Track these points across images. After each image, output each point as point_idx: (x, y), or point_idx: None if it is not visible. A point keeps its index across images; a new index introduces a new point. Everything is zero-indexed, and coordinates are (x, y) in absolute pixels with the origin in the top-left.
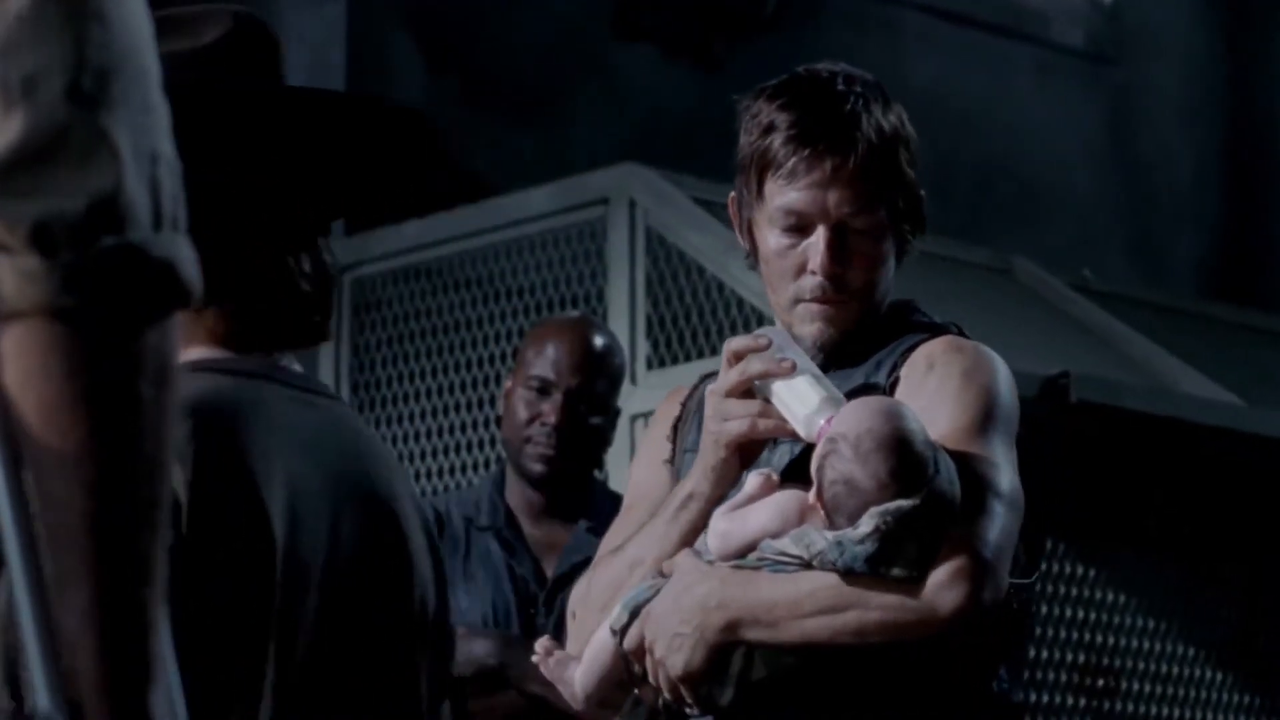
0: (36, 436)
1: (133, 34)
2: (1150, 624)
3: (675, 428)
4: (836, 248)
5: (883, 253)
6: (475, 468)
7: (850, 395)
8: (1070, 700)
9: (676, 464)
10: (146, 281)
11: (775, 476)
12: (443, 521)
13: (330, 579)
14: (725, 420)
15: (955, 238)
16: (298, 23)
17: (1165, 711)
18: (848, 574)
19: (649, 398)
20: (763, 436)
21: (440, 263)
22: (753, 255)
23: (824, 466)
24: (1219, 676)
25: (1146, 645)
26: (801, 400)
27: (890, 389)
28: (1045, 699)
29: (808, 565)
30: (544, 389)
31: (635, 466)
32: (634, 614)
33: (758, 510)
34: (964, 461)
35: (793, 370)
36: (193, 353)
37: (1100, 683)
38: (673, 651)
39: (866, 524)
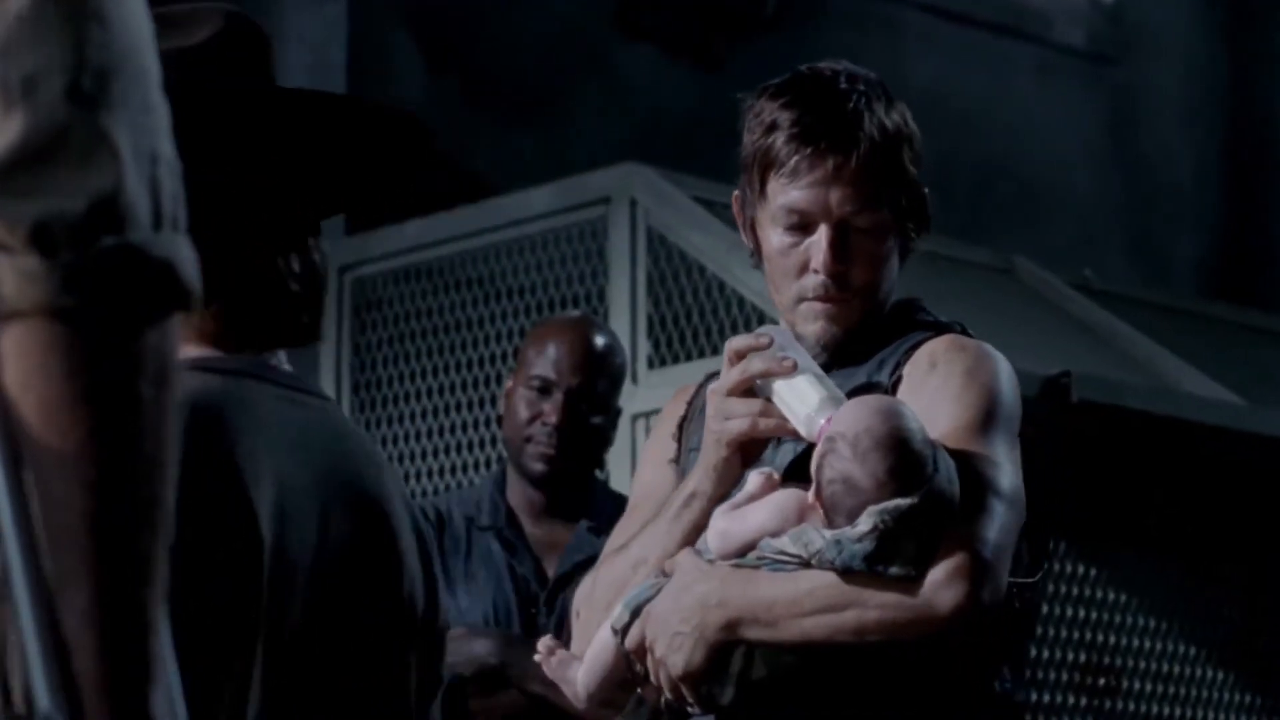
0: (36, 436)
1: (133, 34)
2: (1151, 623)
3: (681, 427)
4: (839, 246)
5: (885, 251)
6: (476, 467)
7: (852, 394)
8: (1071, 699)
9: (682, 463)
10: (146, 282)
11: (776, 475)
12: (444, 521)
13: (319, 578)
14: (726, 419)
15: (956, 237)
16: (298, 22)
17: (1166, 711)
18: (846, 573)
19: (650, 397)
20: (763, 436)
21: (441, 262)
22: (756, 254)
23: (822, 465)
24: (1220, 676)
25: (1148, 645)
26: (802, 399)
27: (893, 387)
28: (1046, 698)
29: (807, 564)
30: (545, 388)
31: (641, 465)
32: (635, 613)
33: (757, 509)
34: (964, 460)
35: (794, 369)
36: (182, 351)
37: (1101, 682)
38: (673, 651)
39: (865, 523)
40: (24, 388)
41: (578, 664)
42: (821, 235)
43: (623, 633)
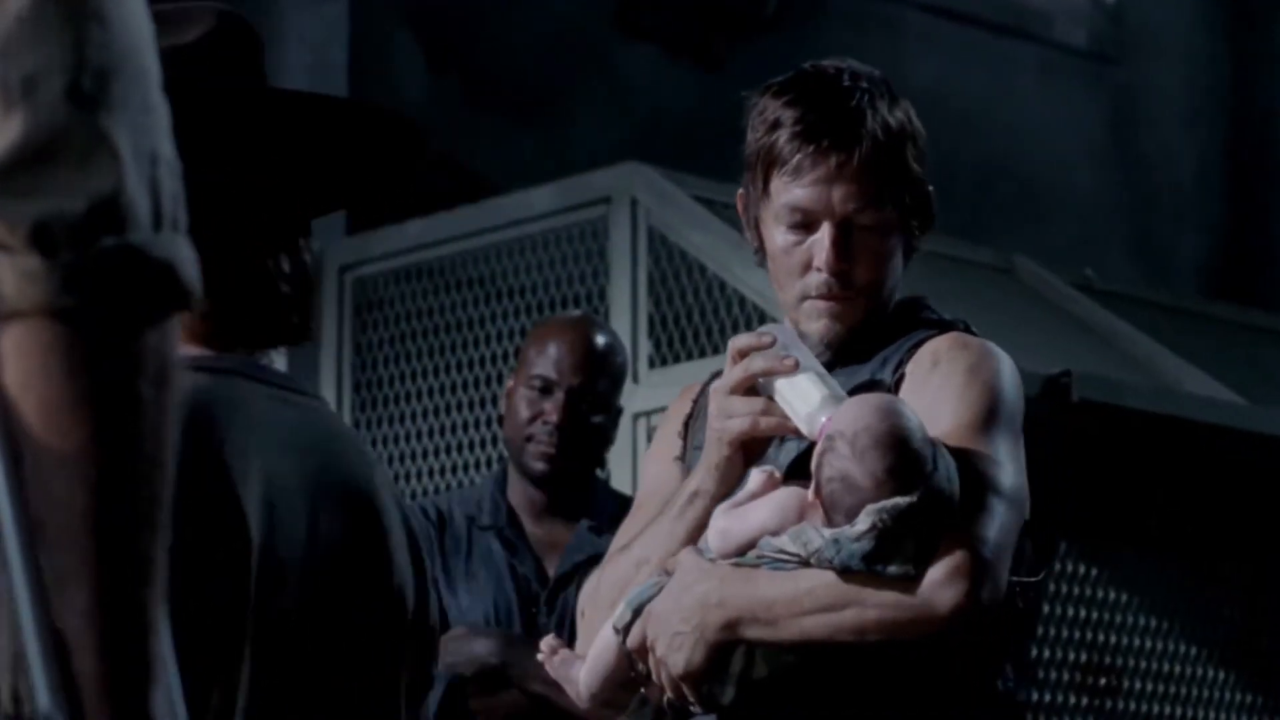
0: (37, 436)
1: (133, 34)
2: (1152, 623)
3: (686, 425)
4: (842, 244)
5: (889, 249)
6: (477, 467)
7: (854, 392)
8: (1072, 699)
9: (687, 461)
10: (147, 282)
11: (777, 474)
12: (445, 521)
13: (308, 576)
14: (728, 418)
15: (957, 237)
16: (299, 22)
17: (1167, 710)
18: (845, 572)
19: (651, 396)
20: (765, 434)
21: (442, 262)
22: (761, 252)
23: (821, 464)
24: (1221, 675)
25: (1149, 644)
26: (804, 398)
27: (895, 385)
28: (1047, 698)
29: (806, 563)
30: (546, 388)
31: (647, 463)
32: (637, 612)
33: (757, 508)
34: (965, 459)
35: (795, 367)
36: None
37: (1102, 681)
38: (673, 650)
39: (863, 522)
40: (24, 388)
41: (580, 663)
42: (824, 233)
43: (624, 632)
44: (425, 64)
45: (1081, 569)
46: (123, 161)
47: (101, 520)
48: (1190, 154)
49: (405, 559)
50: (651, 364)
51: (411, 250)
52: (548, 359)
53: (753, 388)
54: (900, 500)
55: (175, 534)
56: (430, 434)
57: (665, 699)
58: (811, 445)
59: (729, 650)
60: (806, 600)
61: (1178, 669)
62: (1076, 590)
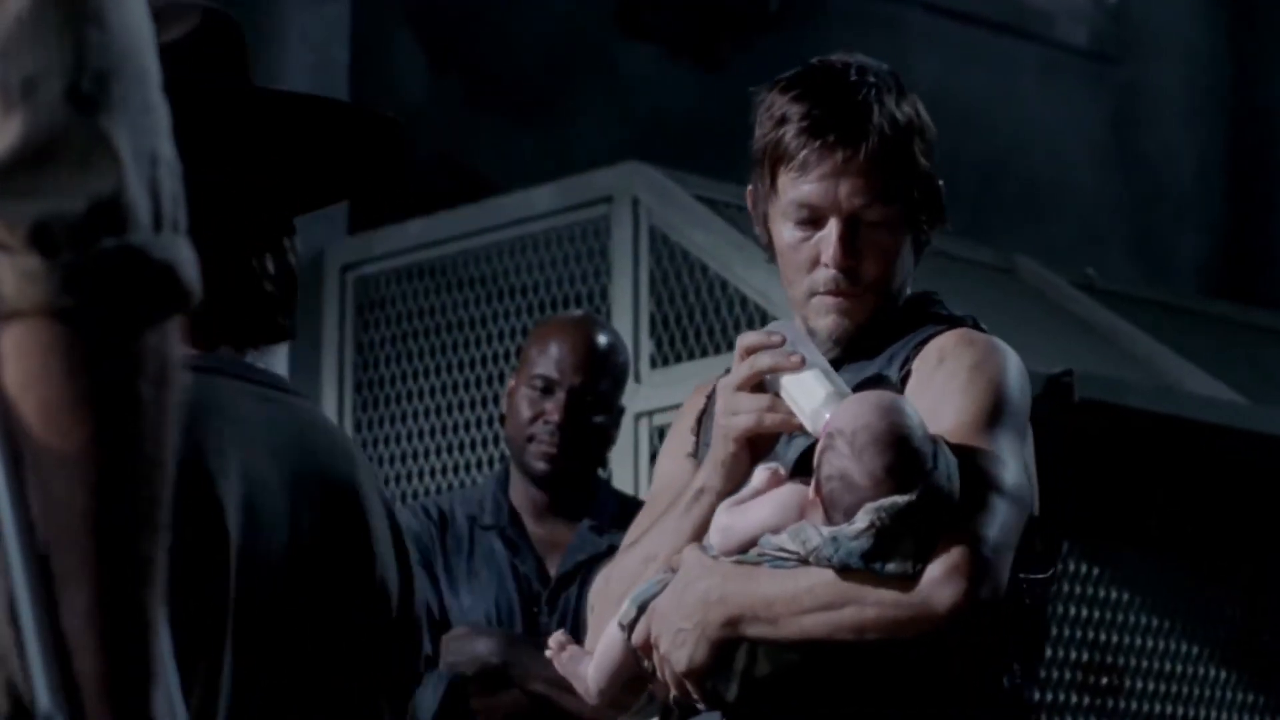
0: (37, 437)
1: (132, 35)
2: (1154, 622)
3: (699, 421)
4: (849, 240)
5: (897, 245)
6: (479, 466)
7: (860, 388)
8: (1075, 698)
9: (700, 457)
10: (147, 283)
11: (782, 471)
12: (446, 520)
13: (289, 572)
14: (734, 414)
15: (958, 236)
16: (300, 22)
17: (1169, 709)
18: (844, 570)
19: (653, 396)
20: (769, 431)
21: (443, 261)
22: (769, 249)
23: (822, 462)
24: (1223, 674)
25: (1150, 643)
26: (809, 395)
27: (902, 382)
28: (1050, 697)
29: (805, 561)
30: (547, 388)
31: (660, 459)
32: (642, 609)
33: (759, 505)
34: (968, 456)
35: (801, 365)
36: None
37: (1104, 681)
38: (676, 647)
39: (862, 520)
40: (24, 388)
41: (588, 659)
42: (832, 229)
43: (630, 629)
44: (427, 63)
45: (1083, 568)
46: (123, 162)
47: (102, 520)
48: (1191, 153)
49: (389, 554)
50: (653, 363)
51: (413, 250)
52: (549, 359)
53: (760, 384)
54: (899, 499)
55: None
56: (432, 433)
57: (671, 696)
58: (816, 442)
59: (732, 647)
60: (806, 598)
61: (1179, 668)
62: (1078, 589)
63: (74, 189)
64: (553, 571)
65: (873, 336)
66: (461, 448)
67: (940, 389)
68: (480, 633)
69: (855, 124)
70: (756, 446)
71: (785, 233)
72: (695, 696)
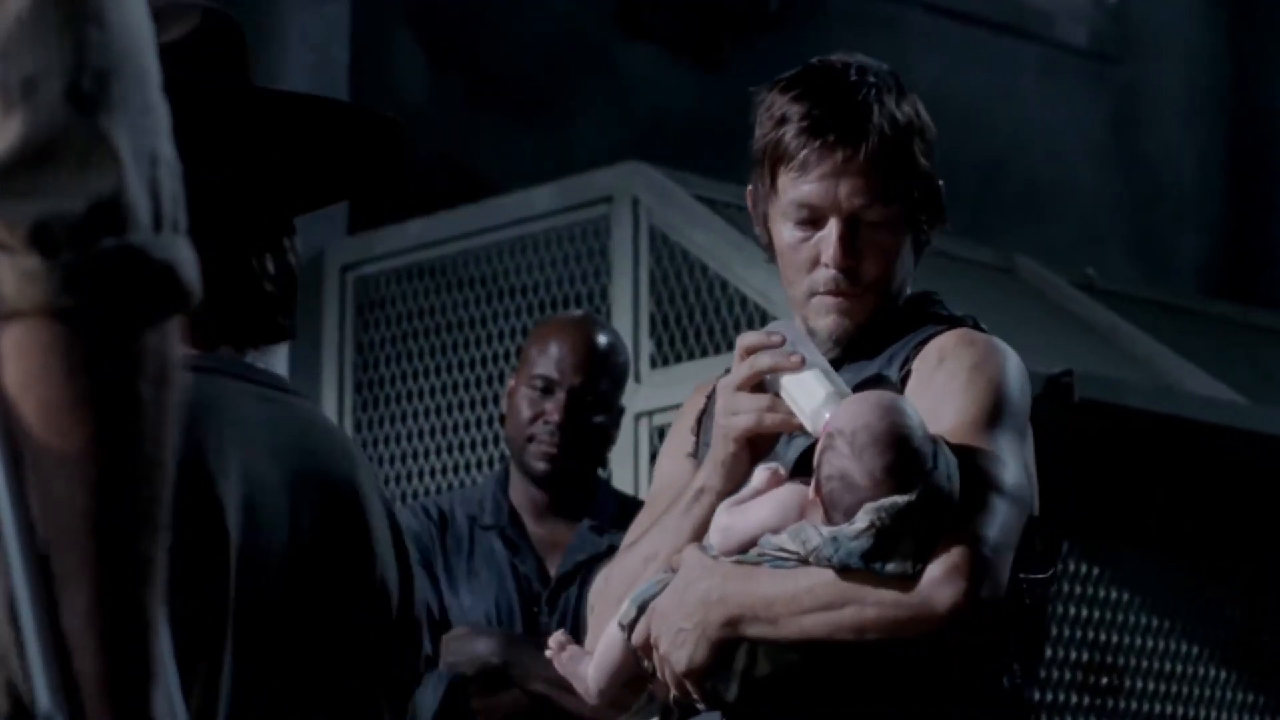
0: (37, 437)
1: (132, 35)
2: (1154, 622)
3: (700, 421)
4: (849, 240)
5: (897, 244)
6: (479, 466)
7: (860, 388)
8: (1075, 698)
9: (700, 457)
10: (147, 283)
11: (782, 471)
12: (446, 520)
13: (289, 572)
14: (734, 414)
15: (958, 236)
16: (300, 22)
17: (1169, 709)
18: (844, 570)
19: (653, 396)
20: (769, 430)
21: (444, 261)
22: (770, 249)
23: (821, 462)
24: (1223, 674)
25: (1150, 643)
26: (809, 395)
27: (902, 382)
28: (1050, 697)
29: (805, 561)
30: (547, 388)
31: (660, 459)
32: (642, 609)
33: (759, 505)
34: (967, 456)
35: (801, 364)
36: None
37: (1104, 681)
38: (676, 647)
39: (861, 520)
40: (24, 388)
41: (589, 659)
42: (831, 229)
43: (630, 629)
44: (427, 63)
45: (1083, 568)
46: (123, 163)
47: (102, 520)
48: (1191, 153)
49: (389, 554)
50: (653, 363)
51: (413, 250)
52: (549, 359)
53: (760, 384)
54: (898, 499)
55: None
56: (432, 433)
57: (672, 696)
58: (817, 442)
59: (732, 647)
60: (806, 598)
61: (1179, 668)
62: (1078, 589)
63: (74, 189)
64: (553, 571)
65: (873, 336)
66: (461, 448)
67: (940, 389)
68: (480, 633)
69: (855, 124)
70: (757, 446)
71: (785, 233)
72: (695, 696)
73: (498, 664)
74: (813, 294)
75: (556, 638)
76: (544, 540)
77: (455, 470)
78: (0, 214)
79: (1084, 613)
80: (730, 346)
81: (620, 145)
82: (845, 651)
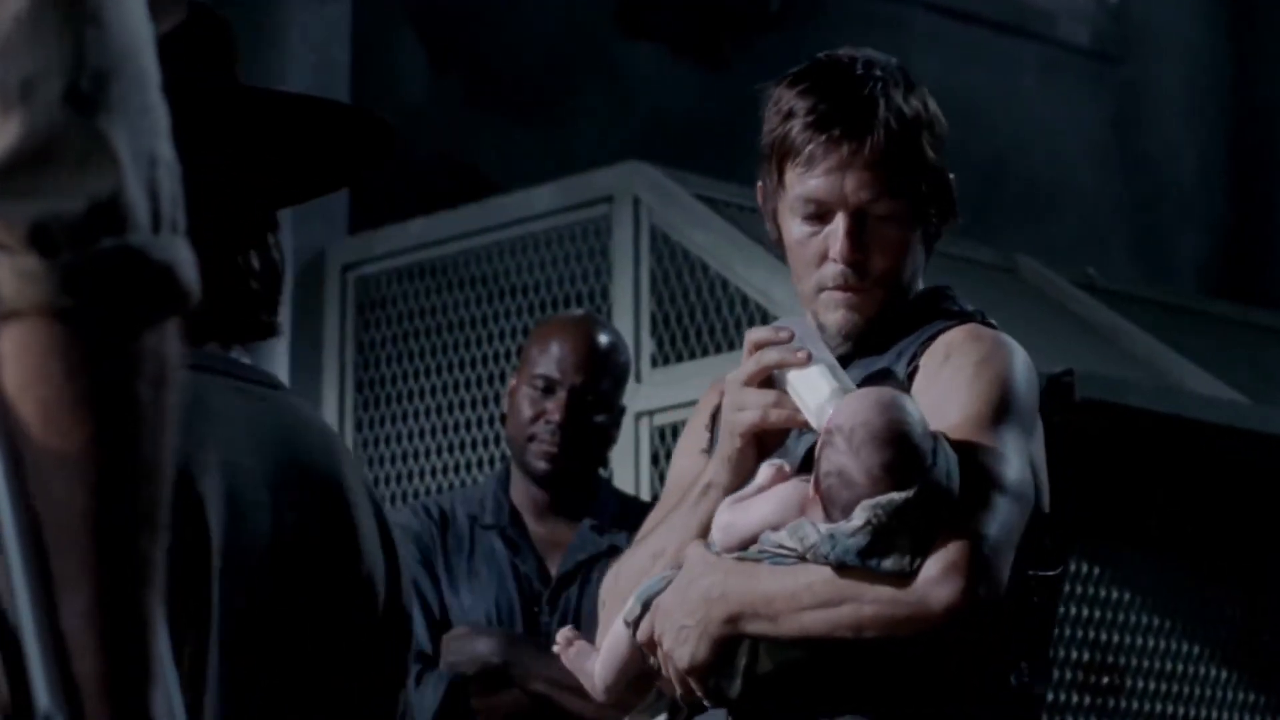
0: (36, 437)
1: (131, 35)
2: (1155, 622)
3: (714, 417)
4: (856, 234)
5: (905, 239)
6: (480, 466)
7: (865, 383)
8: (1075, 698)
9: (712, 453)
10: (146, 284)
11: (787, 467)
12: (447, 520)
13: (273, 568)
14: (740, 410)
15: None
16: (301, 22)
17: (1169, 709)
18: (842, 567)
19: (654, 395)
20: (775, 426)
21: (445, 261)
22: (779, 245)
23: (821, 458)
24: (1223, 674)
25: (1151, 643)
26: (814, 390)
27: (910, 377)
28: (1050, 697)
29: (804, 558)
30: (548, 387)
31: (675, 455)
32: (646, 606)
33: (761, 502)
34: (970, 453)
35: (808, 360)
36: None
37: (1105, 680)
38: (679, 644)
39: (858, 517)
40: (23, 388)
41: (596, 656)
42: (839, 224)
43: (635, 625)
44: (427, 63)
45: (1084, 568)
46: (121, 163)
47: (101, 521)
48: (1192, 152)
49: (376, 549)
50: (654, 363)
51: (414, 249)
52: (550, 358)
53: (768, 380)
54: (896, 496)
55: None
56: (433, 433)
57: (678, 693)
58: None
59: (735, 644)
60: (805, 596)
61: (1180, 668)
62: (1079, 589)
63: (73, 189)
64: (553, 571)
65: (883, 331)
66: (462, 447)
67: (946, 385)
68: (481, 632)
69: (861, 118)
70: (765, 442)
71: (793, 228)
72: (699, 693)
73: (498, 664)
74: (821, 289)
75: (564, 633)
76: (545, 540)
77: (455, 470)
78: None
79: (1084, 612)
80: (731, 346)
81: (621, 145)
82: (847, 649)
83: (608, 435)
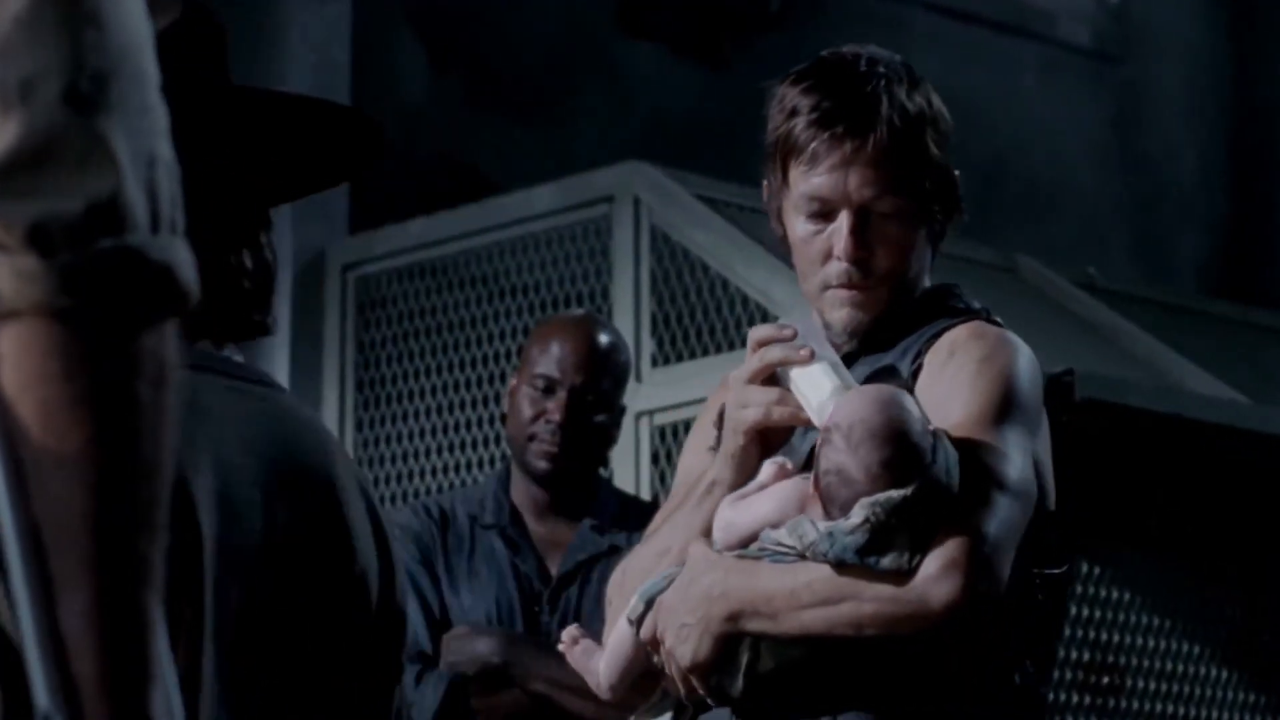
0: (35, 438)
1: (130, 35)
2: (1154, 622)
3: (721, 415)
4: (860, 232)
5: (910, 236)
6: (480, 465)
7: (870, 380)
8: (1075, 698)
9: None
10: (144, 284)
11: (789, 465)
12: (447, 519)
13: (265, 567)
14: (743, 407)
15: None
16: (300, 22)
17: (1169, 709)
18: (840, 565)
19: (654, 395)
20: (777, 424)
21: (445, 261)
22: (784, 243)
23: (820, 456)
24: (1223, 674)
25: (1151, 643)
26: (816, 388)
27: (914, 375)
28: (1050, 697)
29: (803, 556)
30: (549, 387)
31: (683, 453)
32: (650, 604)
33: (760, 500)
34: (971, 450)
35: (810, 357)
36: None
37: (1105, 680)
38: (680, 642)
39: (857, 515)
40: (22, 389)
41: (601, 654)
42: (842, 222)
43: (638, 623)
44: (427, 63)
45: (1084, 568)
46: (120, 164)
47: (100, 521)
48: (1193, 152)
49: (369, 547)
50: (654, 363)
51: (414, 249)
52: (551, 358)
53: (772, 378)
54: (894, 493)
55: None
56: (433, 432)
57: (683, 692)
58: None
59: (736, 642)
60: (804, 594)
61: (1179, 668)
62: (1079, 589)
63: (72, 190)
64: (554, 571)
65: (888, 329)
66: (462, 447)
67: (949, 382)
68: (481, 632)
69: (864, 115)
70: (769, 440)
71: (798, 227)
72: (701, 692)
73: (498, 663)
74: (826, 287)
75: (570, 632)
76: (545, 539)
77: (455, 470)
78: None
79: (1084, 612)
80: (731, 346)
81: (621, 145)
82: (849, 646)
83: (608, 435)
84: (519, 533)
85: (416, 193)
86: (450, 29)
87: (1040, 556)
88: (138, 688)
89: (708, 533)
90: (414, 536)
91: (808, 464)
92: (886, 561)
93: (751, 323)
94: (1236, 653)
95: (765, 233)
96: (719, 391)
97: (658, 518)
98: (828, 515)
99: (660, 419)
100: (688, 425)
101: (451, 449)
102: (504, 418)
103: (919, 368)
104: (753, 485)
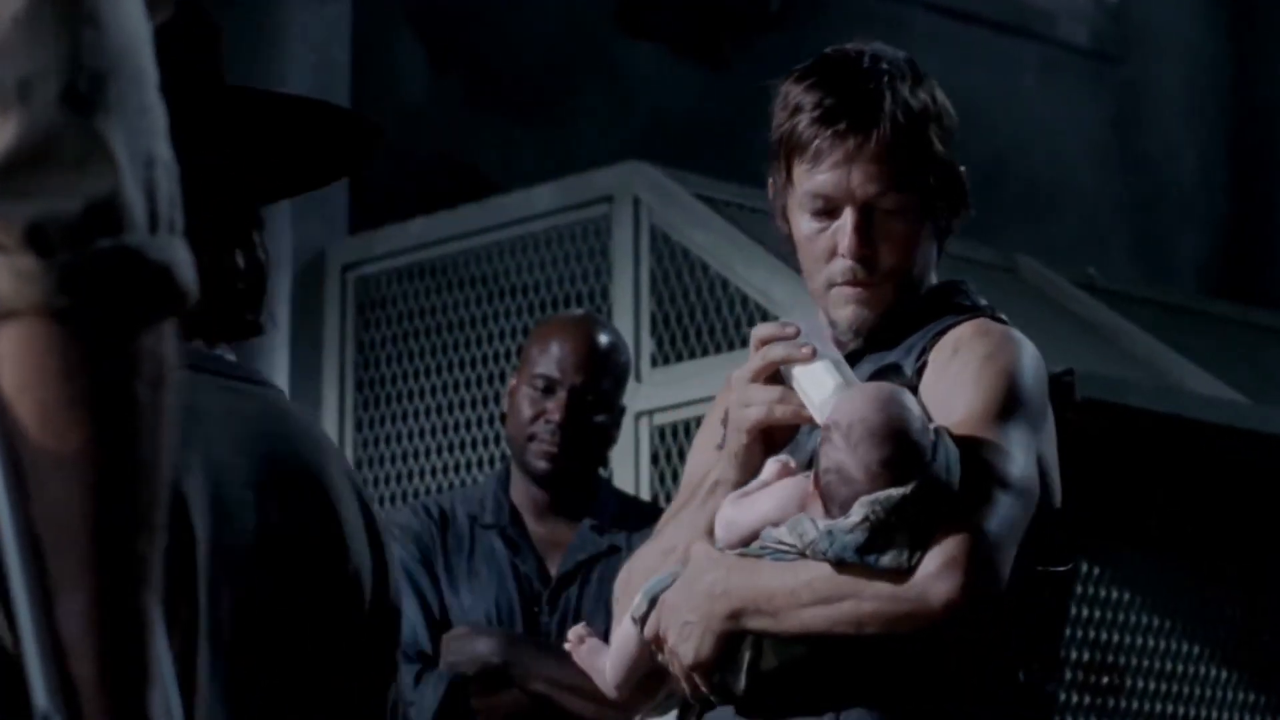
0: (33, 438)
1: (128, 35)
2: (1154, 622)
3: (728, 413)
4: (864, 229)
5: (914, 233)
6: (480, 465)
7: (874, 378)
8: (1075, 698)
9: None
10: (143, 284)
11: (792, 463)
12: (447, 519)
13: (259, 566)
14: (746, 406)
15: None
16: (300, 22)
17: (1169, 709)
18: (840, 564)
19: (654, 395)
20: (780, 422)
21: (445, 261)
22: (789, 241)
23: (820, 455)
24: (1223, 674)
25: (1151, 643)
26: (818, 386)
27: (919, 373)
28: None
29: (804, 554)
30: (548, 387)
31: (691, 452)
32: (653, 602)
33: (762, 498)
34: (973, 448)
35: (813, 355)
36: None
37: (1105, 680)
38: (683, 640)
39: (856, 513)
40: (21, 389)
41: (607, 652)
42: (846, 219)
43: (642, 621)
44: (427, 63)
45: (1084, 568)
46: (119, 164)
47: (99, 522)
48: (1192, 152)
49: (362, 545)
50: (654, 363)
51: (414, 249)
52: (550, 358)
53: (775, 376)
54: (894, 492)
55: None
56: (433, 432)
57: (687, 690)
58: None
59: (739, 640)
60: (805, 592)
61: (1179, 668)
62: (1079, 589)
63: (70, 190)
64: (553, 571)
65: (893, 326)
66: (462, 447)
67: (953, 380)
68: (481, 632)
69: (867, 111)
70: (773, 438)
71: (802, 224)
72: (704, 690)
73: (498, 664)
74: (831, 285)
75: (576, 631)
76: (545, 540)
77: (455, 470)
78: None
79: (1084, 612)
80: (731, 346)
81: (621, 145)
82: (851, 644)
83: (608, 435)
84: (519, 533)
85: (416, 193)
86: (450, 29)
87: (1045, 554)
88: (137, 688)
89: (711, 531)
90: (414, 536)
91: (812, 462)
92: (886, 560)
93: (751, 323)
94: (1236, 653)
95: (765, 233)
96: (726, 389)
97: (664, 516)
98: (828, 514)
99: (660, 419)
100: (688, 425)
101: (451, 449)
102: (504, 418)
103: (924, 365)
104: (755, 483)
